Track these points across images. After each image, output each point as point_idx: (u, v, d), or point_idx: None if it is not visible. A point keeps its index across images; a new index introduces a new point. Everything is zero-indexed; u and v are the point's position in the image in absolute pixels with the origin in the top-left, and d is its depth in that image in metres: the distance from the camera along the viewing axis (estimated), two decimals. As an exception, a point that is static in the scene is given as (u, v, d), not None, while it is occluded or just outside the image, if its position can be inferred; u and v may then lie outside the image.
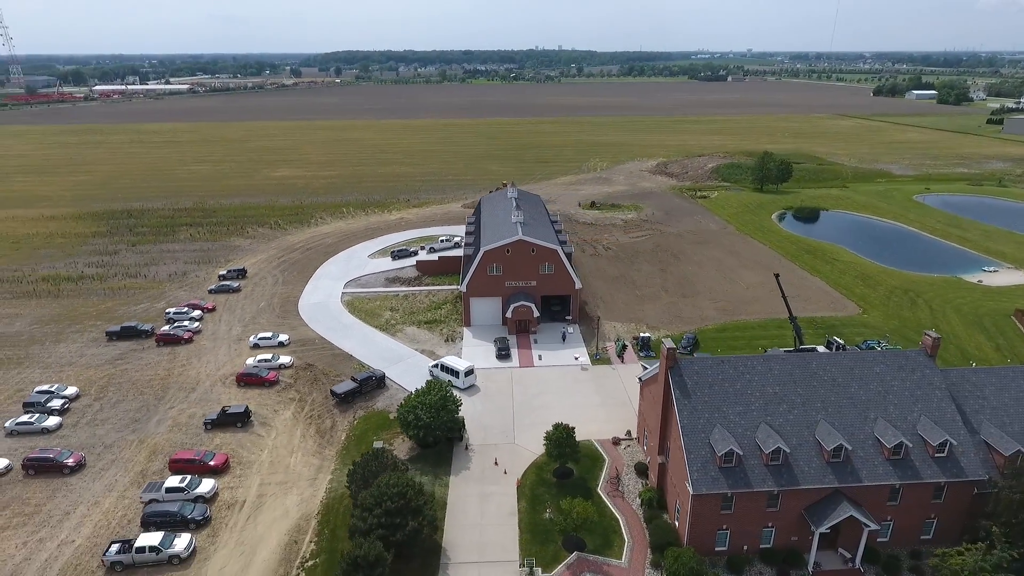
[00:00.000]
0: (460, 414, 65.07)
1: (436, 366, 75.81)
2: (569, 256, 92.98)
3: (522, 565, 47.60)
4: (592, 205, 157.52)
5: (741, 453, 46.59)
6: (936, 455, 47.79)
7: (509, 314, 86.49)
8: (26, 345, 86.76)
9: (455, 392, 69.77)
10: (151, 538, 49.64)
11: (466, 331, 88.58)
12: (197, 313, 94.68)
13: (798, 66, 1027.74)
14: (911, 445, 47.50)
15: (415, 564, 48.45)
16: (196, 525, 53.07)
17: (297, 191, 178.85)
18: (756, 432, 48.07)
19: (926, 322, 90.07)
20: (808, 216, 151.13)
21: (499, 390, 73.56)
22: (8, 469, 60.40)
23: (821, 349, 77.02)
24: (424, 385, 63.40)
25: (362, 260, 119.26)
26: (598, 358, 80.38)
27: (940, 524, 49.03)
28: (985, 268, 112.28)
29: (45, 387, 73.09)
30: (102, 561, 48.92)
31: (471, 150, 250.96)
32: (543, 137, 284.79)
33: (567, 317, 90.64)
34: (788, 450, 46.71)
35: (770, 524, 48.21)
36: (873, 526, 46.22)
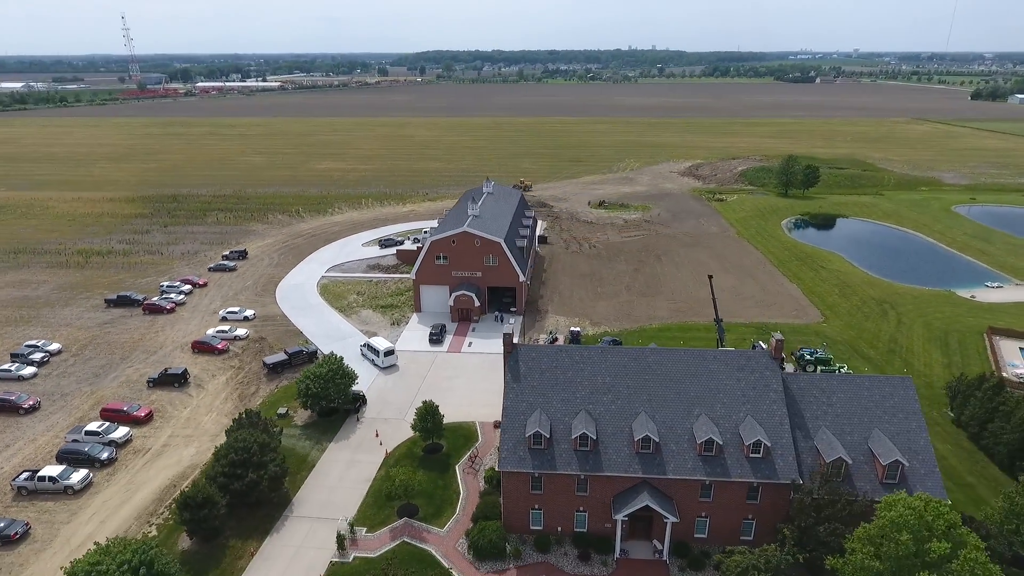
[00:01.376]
0: (359, 389, 70.16)
1: (364, 346, 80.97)
2: (525, 253, 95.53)
3: (347, 521, 51.56)
4: (600, 204, 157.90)
5: (548, 436, 48.42)
6: (751, 455, 47.55)
7: (451, 302, 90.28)
8: (40, 307, 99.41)
9: (376, 370, 75.10)
10: (52, 470, 57.49)
11: (415, 316, 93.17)
12: (187, 288, 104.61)
13: (902, 67, 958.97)
14: (721, 443, 47.53)
15: (260, 512, 53.49)
16: (101, 464, 60.64)
17: (331, 183, 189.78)
18: (574, 419, 49.64)
19: (887, 335, 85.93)
20: (822, 223, 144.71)
21: (416, 372, 77.60)
22: (-25, 407, 71.11)
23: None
24: (320, 359, 68.56)
25: (355, 247, 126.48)
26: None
27: (759, 525, 48.61)
28: (987, 283, 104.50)
29: (33, 342, 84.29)
30: (11, 484, 57.37)
31: (510, 148, 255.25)
32: (590, 137, 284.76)
33: (512, 309, 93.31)
34: (594, 437, 48.02)
35: (582, 508, 49.65)
36: (672, 518, 46.79)
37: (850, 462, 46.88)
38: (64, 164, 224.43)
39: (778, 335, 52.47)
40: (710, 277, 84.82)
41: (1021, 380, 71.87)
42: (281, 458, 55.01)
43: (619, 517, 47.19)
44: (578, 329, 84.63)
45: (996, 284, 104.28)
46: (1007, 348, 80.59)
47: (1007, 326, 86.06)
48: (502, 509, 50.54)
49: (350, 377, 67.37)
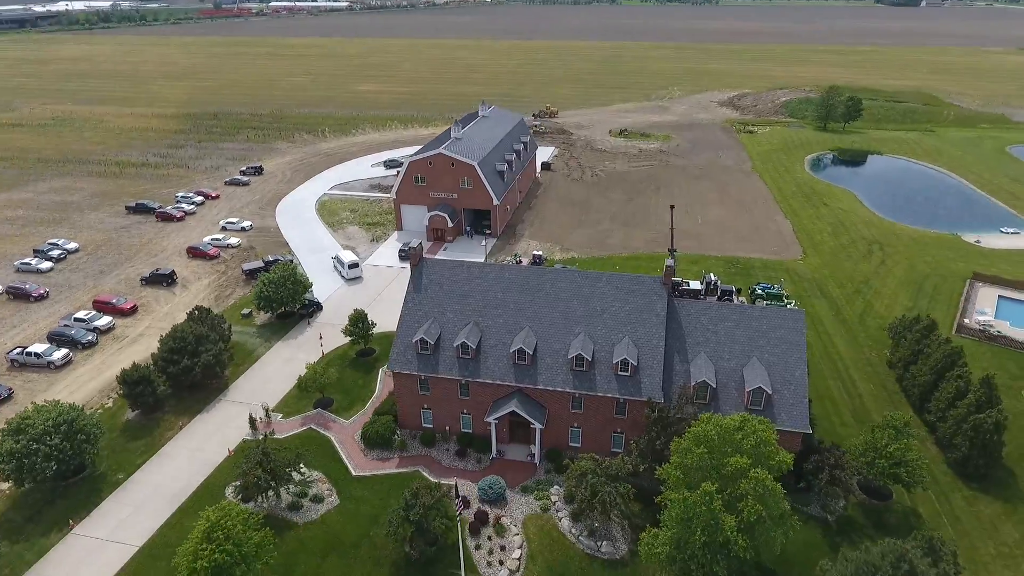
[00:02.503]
0: (316, 296, 75.80)
1: (334, 258, 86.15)
2: (506, 178, 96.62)
3: (262, 407, 57.71)
4: (621, 133, 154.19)
5: (432, 343, 51.93)
6: (619, 373, 49.50)
7: (426, 222, 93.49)
8: (71, 211, 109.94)
9: (341, 280, 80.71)
10: (39, 347, 66.50)
11: (395, 234, 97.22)
12: (199, 199, 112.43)
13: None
14: (590, 359, 49.62)
15: (199, 395, 60.47)
16: (83, 346, 69.38)
17: (365, 104, 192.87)
18: (464, 329, 52.74)
19: (861, 275, 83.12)
20: (849, 160, 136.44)
21: (378, 285, 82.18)
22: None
23: (694, 284, 75.68)
24: (276, 265, 74.01)
25: (364, 168, 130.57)
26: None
27: (628, 439, 50.95)
28: (1003, 229, 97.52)
29: (55, 240, 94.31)
30: (4, 356, 66.95)
31: (553, 73, 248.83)
32: (641, 63, 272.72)
33: (487, 232, 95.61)
34: (474, 346, 51.15)
35: (466, 411, 53.50)
36: (538, 425, 50.01)
37: (714, 386, 48.23)
38: (126, 81, 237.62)
39: (670, 261, 52.99)
40: (671, 207, 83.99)
41: (982, 328, 68.96)
42: (219, 349, 61.29)
43: (490, 420, 50.84)
44: (540, 253, 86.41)
45: (1012, 230, 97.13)
46: (985, 295, 76.57)
47: (998, 273, 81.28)
48: (397, 407, 55.19)
49: (303, 284, 72.69)
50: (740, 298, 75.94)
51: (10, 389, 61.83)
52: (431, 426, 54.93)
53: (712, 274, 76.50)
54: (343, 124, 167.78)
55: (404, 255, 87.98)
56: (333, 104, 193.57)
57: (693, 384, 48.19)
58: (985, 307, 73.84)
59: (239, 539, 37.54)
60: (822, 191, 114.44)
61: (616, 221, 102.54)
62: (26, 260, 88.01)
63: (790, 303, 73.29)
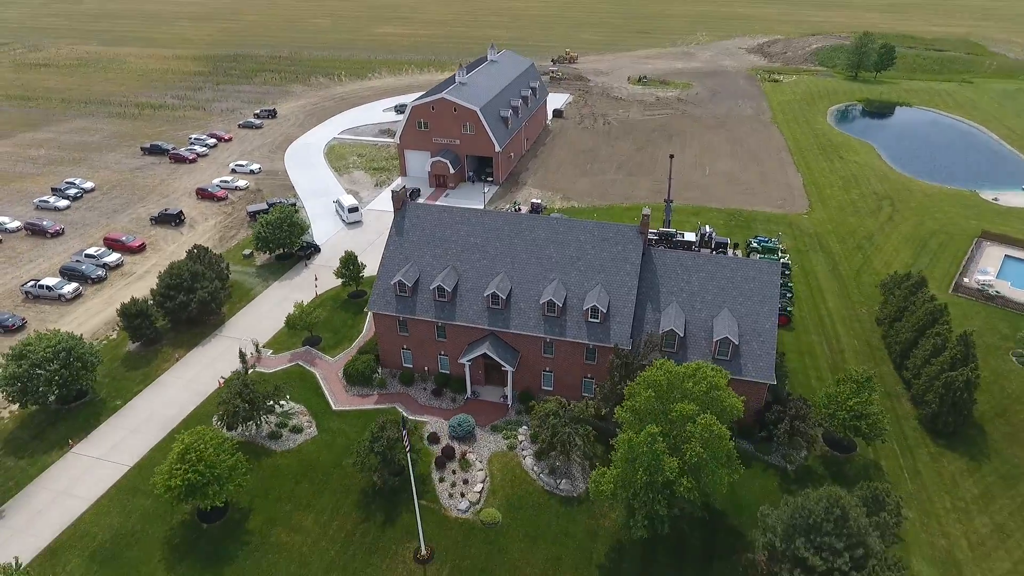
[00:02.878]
0: (314, 239, 77.66)
1: (335, 201, 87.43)
2: (510, 124, 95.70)
3: (252, 342, 60.22)
4: (640, 80, 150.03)
5: (410, 285, 53.17)
6: (589, 319, 50.24)
7: (428, 168, 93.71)
8: (90, 151, 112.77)
9: (341, 224, 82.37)
10: (51, 280, 69.94)
11: (399, 180, 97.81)
12: (212, 141, 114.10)
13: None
14: (561, 305, 50.38)
15: (196, 329, 63.29)
16: (92, 281, 72.62)
17: (384, 48, 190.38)
18: (442, 273, 53.79)
19: (865, 231, 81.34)
20: (876, 111, 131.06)
21: (377, 229, 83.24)
22: (18, 228, 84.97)
23: (689, 235, 75.09)
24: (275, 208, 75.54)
25: (375, 112, 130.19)
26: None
27: (598, 384, 52.09)
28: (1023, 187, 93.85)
29: (72, 180, 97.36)
30: (20, 288, 70.60)
31: (580, 17, 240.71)
32: (669, 6, 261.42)
33: (489, 179, 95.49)
34: (450, 289, 52.28)
35: (443, 352, 55.09)
36: (509, 368, 51.39)
37: (682, 335, 48.74)
38: (150, 22, 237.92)
39: (646, 210, 52.78)
40: (671, 156, 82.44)
41: (980, 287, 67.45)
42: (215, 287, 63.65)
43: (464, 361, 52.38)
44: (539, 201, 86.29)
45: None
46: (991, 254, 74.46)
47: (1010, 233, 78.68)
48: (378, 346, 57.08)
49: (300, 227, 74.33)
50: (735, 251, 75.32)
51: (24, 319, 65.52)
52: (411, 366, 56.77)
53: (708, 226, 75.60)
54: (359, 68, 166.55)
55: (353, 210, 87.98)
56: (352, 47, 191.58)
57: (661, 332, 48.79)
58: (988, 267, 71.95)
59: (211, 461, 40.19)
60: (840, 144, 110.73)
61: (622, 171, 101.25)
62: (45, 198, 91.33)
63: (784, 257, 72.48)
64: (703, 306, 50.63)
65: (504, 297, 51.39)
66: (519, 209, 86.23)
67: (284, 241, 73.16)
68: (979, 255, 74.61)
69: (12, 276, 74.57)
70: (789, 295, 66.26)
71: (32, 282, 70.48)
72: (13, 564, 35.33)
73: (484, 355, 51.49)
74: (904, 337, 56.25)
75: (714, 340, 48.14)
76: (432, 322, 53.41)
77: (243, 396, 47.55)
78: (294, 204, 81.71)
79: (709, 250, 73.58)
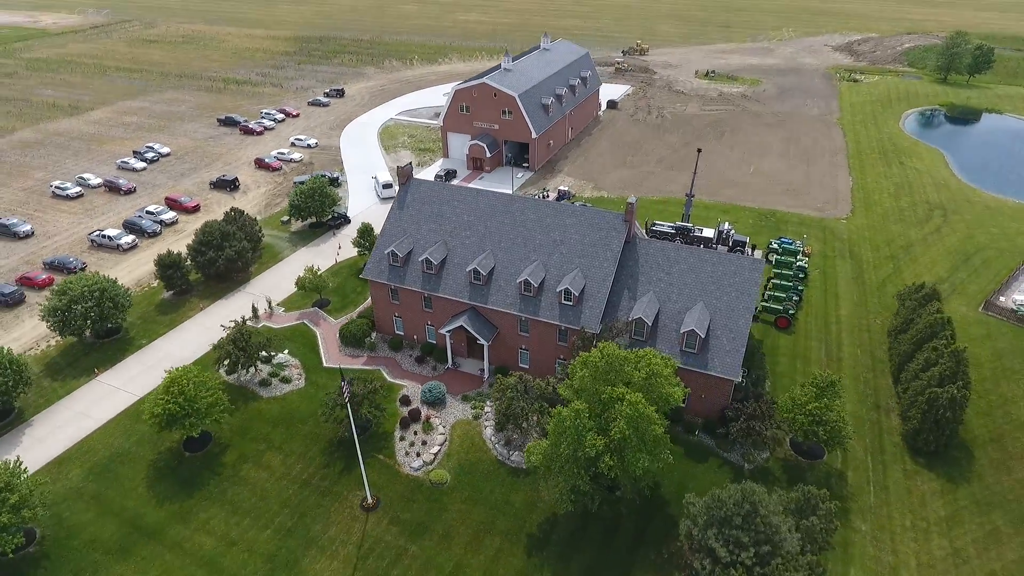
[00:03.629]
0: (346, 210, 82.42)
1: (373, 177, 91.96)
2: (551, 111, 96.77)
3: (266, 299, 65.27)
4: (707, 75, 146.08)
5: (402, 256, 56.05)
6: (562, 302, 51.26)
7: (466, 151, 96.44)
8: (174, 120, 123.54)
9: (376, 198, 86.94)
10: (112, 232, 78.40)
11: (440, 161, 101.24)
12: (280, 116, 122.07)
13: None
14: (537, 285, 51.63)
15: (223, 284, 69.31)
16: (148, 235, 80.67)
17: (461, 34, 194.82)
18: (433, 247, 56.34)
19: (905, 240, 76.92)
20: (959, 116, 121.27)
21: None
22: (98, 185, 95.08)
23: (708, 232, 73.71)
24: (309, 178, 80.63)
25: (436, 96, 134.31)
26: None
27: (566, 365, 53.00)
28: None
29: (152, 145, 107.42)
30: (87, 236, 79.55)
31: (663, 8, 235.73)
32: (766, 2, 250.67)
33: (525, 164, 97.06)
34: (437, 263, 54.74)
35: (430, 323, 57.74)
36: (484, 341, 53.32)
37: (650, 324, 48.89)
38: (254, 3, 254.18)
39: (632, 199, 52.86)
40: (698, 151, 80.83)
41: (1017, 308, 62.49)
42: (243, 247, 69.25)
43: (444, 331, 54.89)
44: (566, 188, 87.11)
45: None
46: (1041, 275, 68.61)
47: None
48: (373, 312, 60.58)
49: (331, 198, 79.11)
50: (754, 251, 73.36)
51: (84, 264, 74.04)
52: (402, 333, 59.91)
53: (727, 223, 73.98)
54: (432, 52, 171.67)
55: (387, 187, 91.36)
56: (431, 32, 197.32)
57: (630, 320, 49.19)
58: (1034, 288, 66.47)
59: (191, 396, 44.87)
60: (906, 149, 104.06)
61: (662, 164, 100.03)
62: (126, 159, 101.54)
63: (804, 260, 69.94)
64: (679, 298, 50.51)
65: (485, 274, 53.36)
66: (547, 196, 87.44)
67: (316, 210, 78.20)
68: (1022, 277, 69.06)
69: (85, 226, 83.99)
70: (797, 298, 64.31)
71: (97, 232, 79.26)
72: (12, 461, 41.23)
73: (461, 327, 53.80)
74: (903, 349, 53.57)
75: (682, 332, 48.09)
76: (420, 292, 56.22)
77: (236, 344, 52.27)
78: (326, 176, 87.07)
79: (726, 247, 72.33)
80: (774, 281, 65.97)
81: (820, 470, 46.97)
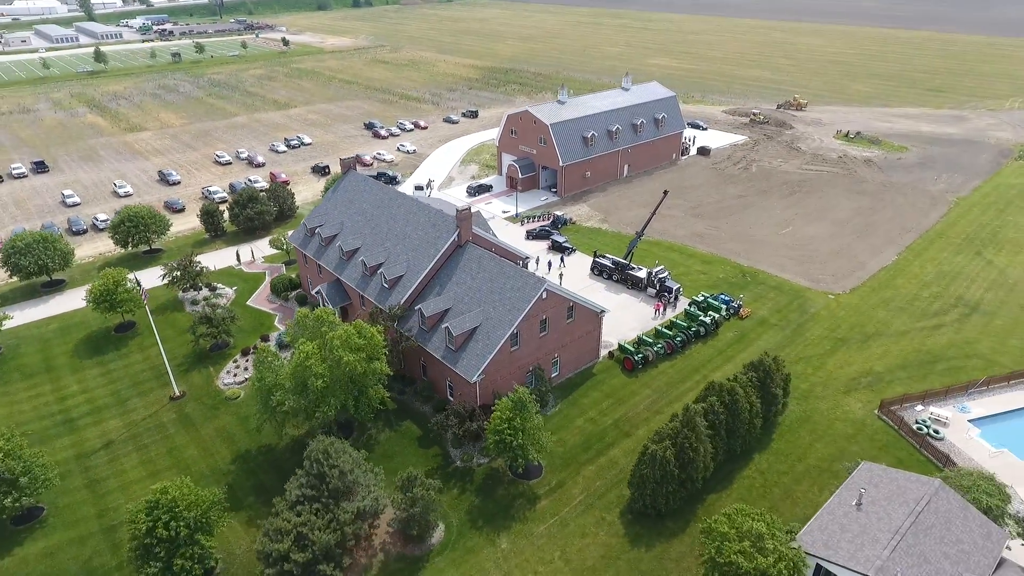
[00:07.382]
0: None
1: (416, 186, 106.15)
2: (591, 144, 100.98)
3: (251, 251, 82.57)
4: (846, 136, 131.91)
5: (310, 228, 68.41)
6: (383, 284, 58.68)
7: (505, 171, 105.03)
8: (335, 120, 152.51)
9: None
10: (215, 188, 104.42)
11: (491, 177, 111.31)
12: (410, 127, 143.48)
13: None
14: (372, 265, 59.94)
15: (249, 236, 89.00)
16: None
17: (643, 76, 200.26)
18: (332, 225, 67.72)
19: (884, 329, 66.01)
20: None
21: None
22: (243, 158, 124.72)
23: (642, 273, 72.57)
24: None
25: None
26: (516, 216, 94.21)
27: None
28: None
29: (299, 136, 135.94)
30: (200, 189, 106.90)
31: (870, 64, 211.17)
32: (1002, 64, 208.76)
33: (552, 189, 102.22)
34: (325, 237, 65.92)
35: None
36: (331, 306, 62.78)
37: (427, 315, 53.97)
38: (479, 38, 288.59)
39: (464, 206, 57.80)
40: (664, 193, 78.36)
41: (921, 424, 52.03)
42: (263, 209, 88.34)
43: (313, 292, 65.88)
44: (561, 214, 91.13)
45: None
46: (1006, 397, 54.63)
47: (1094, 388, 55.52)
48: (299, 271, 74.04)
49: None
50: (679, 298, 70.47)
51: (184, 206, 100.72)
52: (315, 293, 72.36)
53: (662, 267, 72.10)
54: (582, 87, 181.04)
55: (471, 193, 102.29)
56: (613, 73, 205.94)
57: (416, 308, 54.94)
58: (969, 404, 53.75)
59: (121, 298, 63.15)
60: (1006, 242, 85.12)
61: (692, 214, 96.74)
62: (277, 144, 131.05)
63: (715, 317, 65.45)
64: (470, 300, 54.68)
65: (349, 252, 63.34)
66: (550, 217, 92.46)
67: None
68: (991, 394, 55.62)
69: (214, 183, 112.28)
70: (668, 351, 61.57)
71: (206, 187, 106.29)
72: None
73: (319, 292, 64.53)
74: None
75: (442, 327, 52.54)
76: (315, 260, 68.16)
77: (182, 268, 69.94)
78: (395, 177, 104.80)
79: (654, 290, 71.08)
80: (662, 327, 64.07)
81: (521, 487, 47.51)
